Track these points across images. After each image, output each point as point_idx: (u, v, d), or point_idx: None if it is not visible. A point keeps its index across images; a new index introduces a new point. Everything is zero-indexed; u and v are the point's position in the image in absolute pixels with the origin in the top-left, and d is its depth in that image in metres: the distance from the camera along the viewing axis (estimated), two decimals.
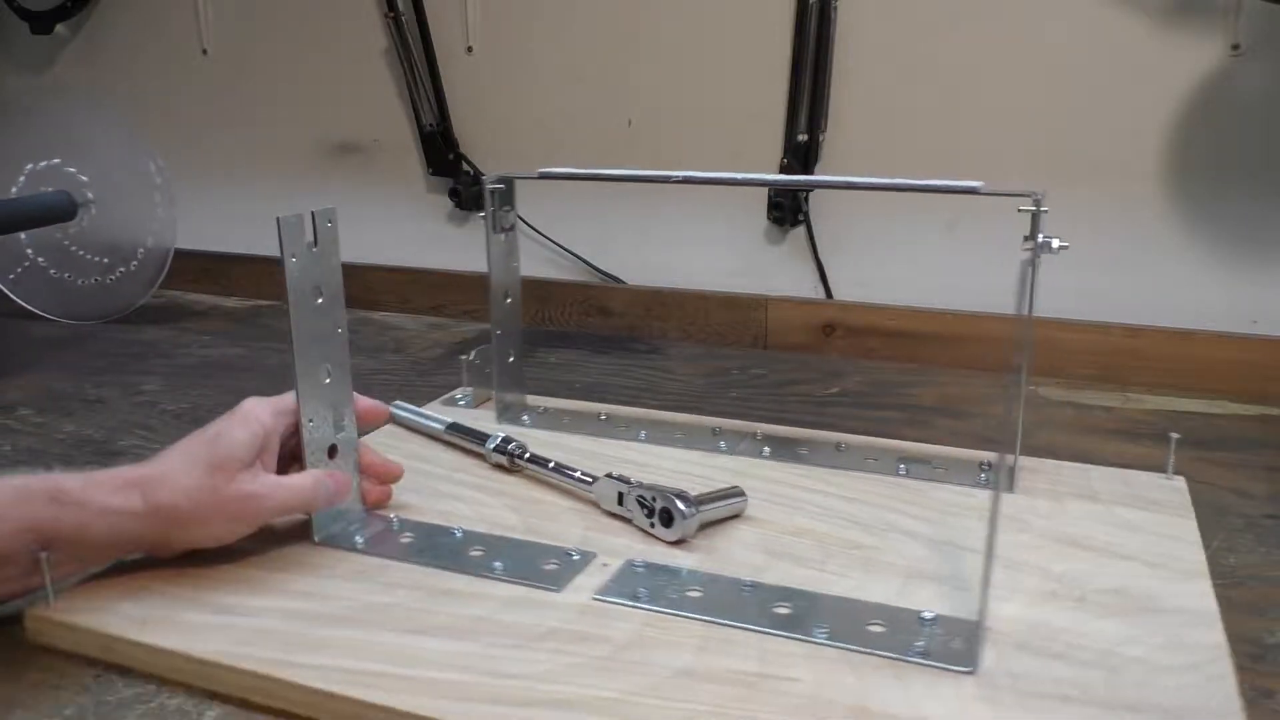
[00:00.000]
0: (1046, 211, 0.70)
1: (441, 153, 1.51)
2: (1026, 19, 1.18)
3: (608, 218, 1.44)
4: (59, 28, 1.78)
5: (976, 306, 1.24)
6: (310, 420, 0.68)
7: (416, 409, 0.95)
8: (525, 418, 0.96)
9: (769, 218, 1.34)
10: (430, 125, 1.50)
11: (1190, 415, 1.03)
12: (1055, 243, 0.69)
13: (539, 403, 0.99)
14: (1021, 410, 0.79)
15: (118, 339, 1.42)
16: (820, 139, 1.29)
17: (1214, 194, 1.14)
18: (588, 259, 1.46)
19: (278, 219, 0.65)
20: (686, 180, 0.81)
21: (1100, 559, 0.66)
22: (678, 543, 0.69)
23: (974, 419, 1.03)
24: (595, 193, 1.43)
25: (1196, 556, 0.67)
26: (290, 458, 0.69)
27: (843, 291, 1.34)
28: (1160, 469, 0.81)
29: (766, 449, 0.85)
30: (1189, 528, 0.71)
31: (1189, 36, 1.11)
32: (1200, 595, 0.61)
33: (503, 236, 0.91)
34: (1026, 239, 0.70)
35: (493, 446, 0.84)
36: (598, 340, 1.38)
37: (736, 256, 1.38)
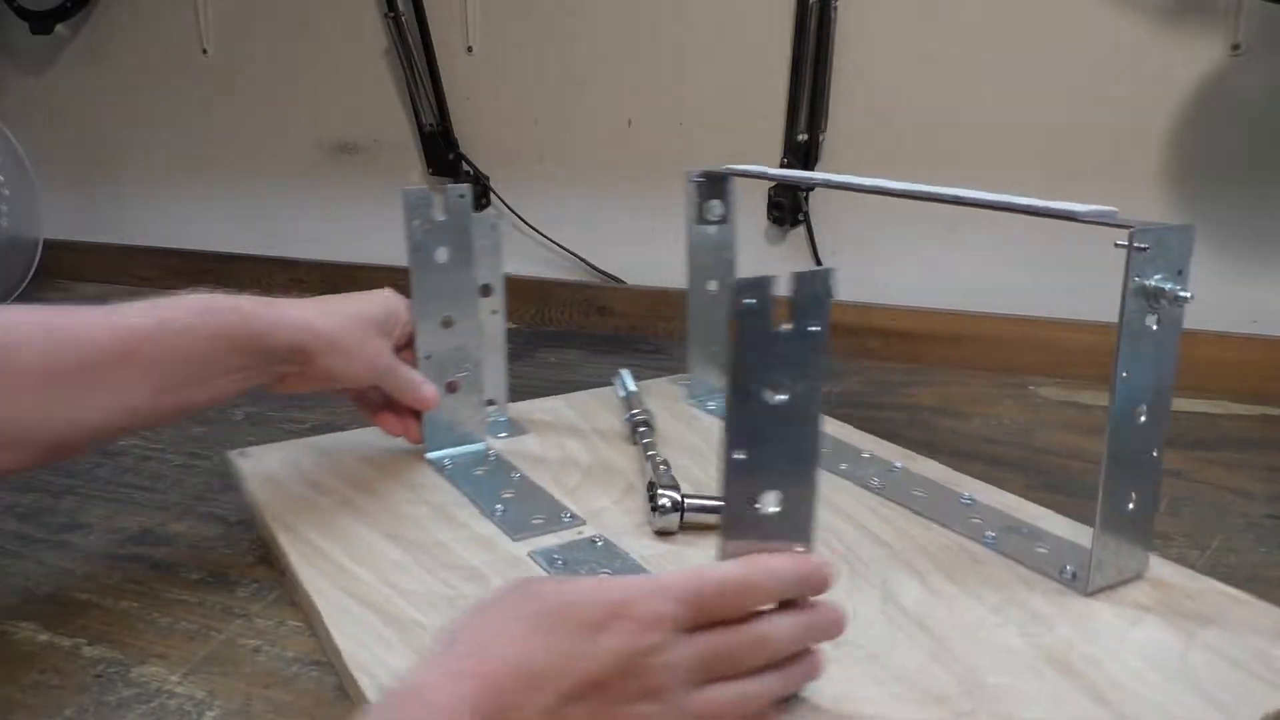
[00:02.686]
0: (1146, 249, 0.54)
1: (441, 153, 1.51)
2: (1026, 19, 1.18)
3: (608, 217, 1.44)
4: (59, 28, 1.78)
5: (976, 306, 1.24)
6: (427, 357, 0.79)
7: (626, 379, 0.97)
8: (711, 404, 0.95)
9: (769, 218, 1.34)
10: (430, 125, 1.50)
11: (1190, 415, 1.03)
12: (1183, 292, 0.54)
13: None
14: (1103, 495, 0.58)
15: None
16: (820, 139, 1.29)
17: (1214, 194, 1.14)
18: (588, 259, 1.46)
19: (402, 191, 0.75)
20: (878, 191, 0.70)
21: (1074, 694, 0.49)
22: (663, 533, 0.69)
23: (974, 419, 1.04)
24: (595, 193, 1.43)
25: None
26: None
27: (843, 291, 1.33)
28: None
29: (875, 478, 0.76)
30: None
31: (1189, 36, 1.11)
32: None
33: (713, 230, 0.92)
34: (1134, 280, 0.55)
35: (626, 417, 0.88)
36: (598, 340, 1.38)
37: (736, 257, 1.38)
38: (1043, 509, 0.70)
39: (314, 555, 0.66)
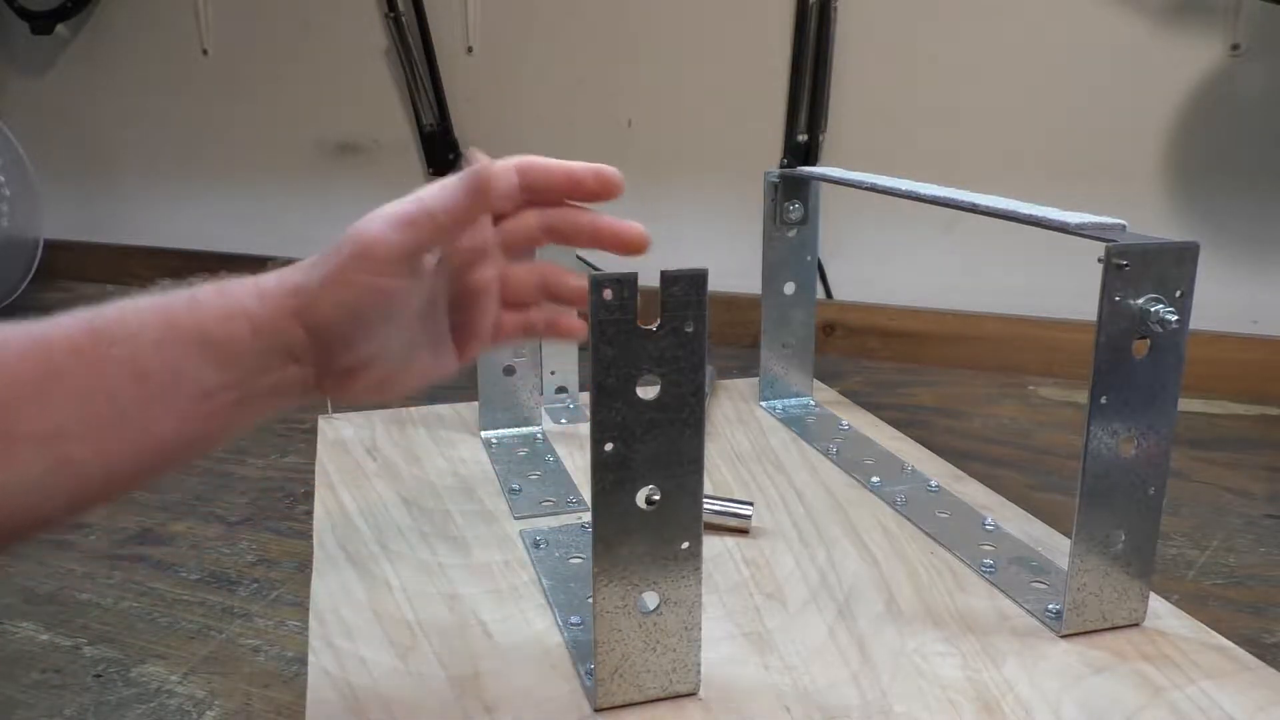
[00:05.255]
0: (1126, 267, 0.48)
1: (441, 153, 1.51)
2: (1026, 19, 1.18)
3: None
4: (59, 28, 1.78)
5: (976, 306, 1.24)
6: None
7: None
8: (779, 406, 0.93)
9: None
10: (430, 125, 1.50)
11: (1190, 415, 1.03)
12: (1170, 314, 0.48)
13: (821, 394, 0.95)
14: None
15: None
16: (820, 139, 1.29)
17: (1214, 194, 1.14)
18: (588, 259, 1.45)
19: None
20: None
21: None
22: None
23: (973, 419, 1.04)
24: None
25: None
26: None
27: (843, 291, 1.34)
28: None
29: (901, 495, 0.73)
30: None
31: (1189, 36, 1.11)
32: None
33: (792, 232, 0.89)
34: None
35: None
36: None
37: (736, 256, 1.38)
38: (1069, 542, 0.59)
39: (336, 511, 0.70)
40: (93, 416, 0.41)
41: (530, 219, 0.48)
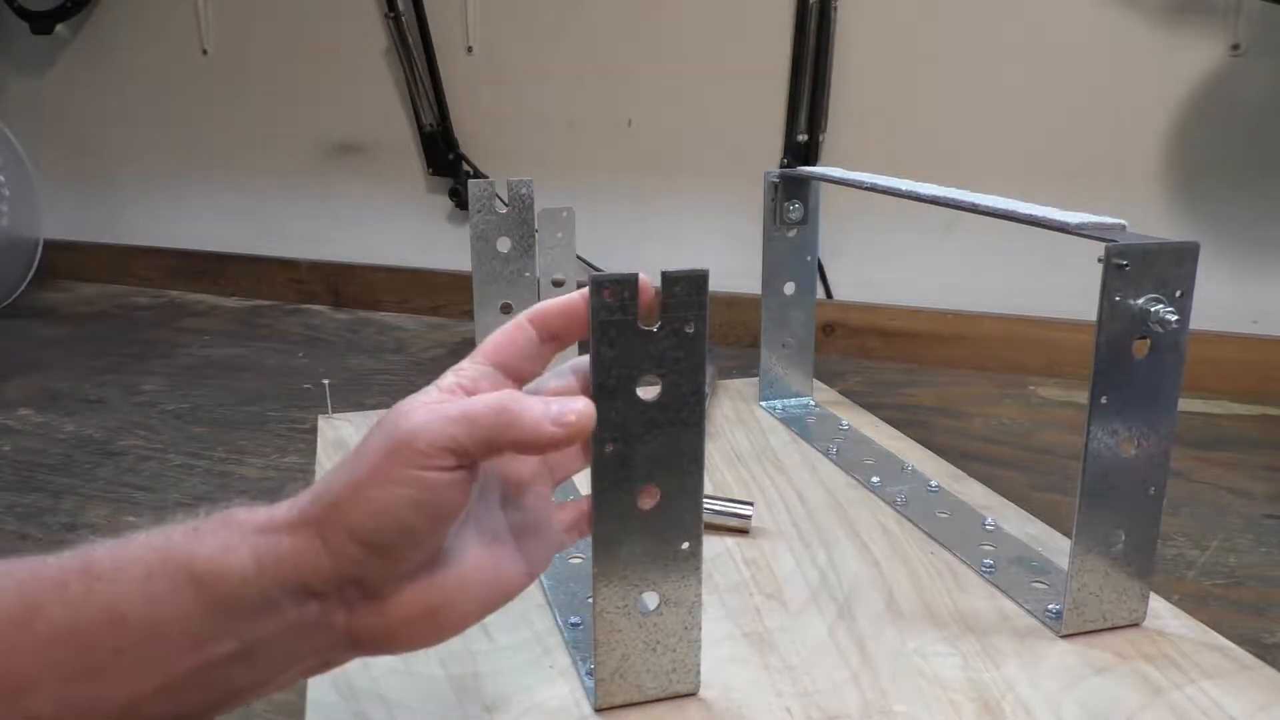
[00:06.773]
0: (1126, 267, 0.47)
1: (441, 153, 1.51)
2: (1027, 19, 1.18)
3: (607, 218, 1.44)
4: (59, 28, 1.78)
5: (976, 306, 1.24)
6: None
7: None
8: (779, 406, 0.93)
9: None
10: (430, 125, 1.50)
11: (1190, 415, 1.03)
12: (1171, 314, 0.47)
13: (821, 394, 0.95)
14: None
15: (119, 338, 1.42)
16: (820, 139, 1.29)
17: (1214, 194, 1.14)
18: (588, 259, 1.46)
19: (469, 183, 0.76)
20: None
21: None
22: None
23: (974, 419, 1.04)
24: (595, 192, 1.43)
25: None
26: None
27: (843, 291, 1.34)
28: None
29: (901, 495, 0.72)
30: None
31: (1189, 36, 1.11)
32: None
33: (792, 232, 0.88)
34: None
35: None
36: None
37: (736, 257, 1.38)
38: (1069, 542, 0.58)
39: None
40: (61, 664, 0.33)
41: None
